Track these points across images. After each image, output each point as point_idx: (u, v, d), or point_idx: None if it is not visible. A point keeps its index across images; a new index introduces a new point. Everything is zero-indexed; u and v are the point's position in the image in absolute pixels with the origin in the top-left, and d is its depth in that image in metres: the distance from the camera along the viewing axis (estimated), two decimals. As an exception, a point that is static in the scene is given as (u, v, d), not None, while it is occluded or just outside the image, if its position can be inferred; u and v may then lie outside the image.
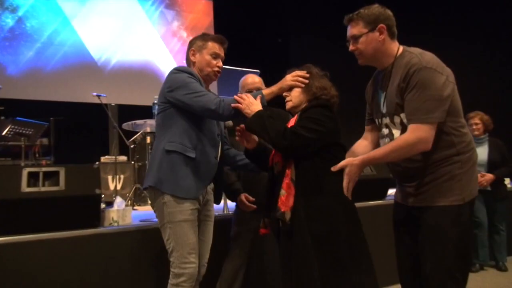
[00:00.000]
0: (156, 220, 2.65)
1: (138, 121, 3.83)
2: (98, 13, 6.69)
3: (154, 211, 1.97)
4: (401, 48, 1.74)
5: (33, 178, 2.31)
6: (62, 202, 2.31)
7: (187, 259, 1.85)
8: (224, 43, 2.09)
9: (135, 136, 4.78)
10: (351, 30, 1.75)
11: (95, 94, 4.36)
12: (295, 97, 1.87)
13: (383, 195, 3.67)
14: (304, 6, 7.74)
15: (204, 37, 2.08)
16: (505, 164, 3.74)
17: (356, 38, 1.73)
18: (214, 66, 2.04)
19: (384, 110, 1.76)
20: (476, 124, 3.78)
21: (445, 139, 1.65)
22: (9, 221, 2.22)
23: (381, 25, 1.69)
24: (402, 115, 1.67)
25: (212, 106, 1.83)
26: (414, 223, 1.73)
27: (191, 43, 2.10)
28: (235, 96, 1.85)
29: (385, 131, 1.79)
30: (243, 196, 2.35)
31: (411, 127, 1.61)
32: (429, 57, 1.64)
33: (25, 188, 2.27)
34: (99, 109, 4.51)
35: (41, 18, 6.26)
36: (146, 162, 5.58)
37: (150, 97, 3.24)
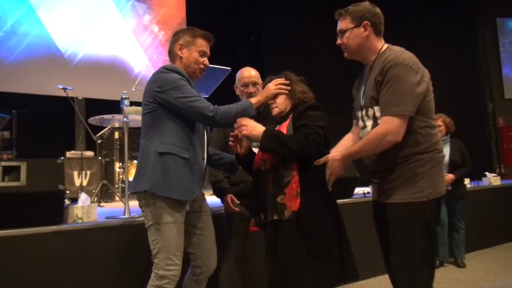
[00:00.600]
0: (121, 217, 2.65)
1: (106, 116, 3.74)
2: (65, 3, 6.48)
3: (142, 211, 1.93)
4: (385, 45, 1.81)
5: (-8, 173, 2.22)
6: (23, 198, 2.24)
7: (172, 261, 1.84)
8: (212, 41, 2.09)
9: (102, 131, 4.68)
10: (340, 25, 1.84)
11: (61, 87, 4.22)
12: (281, 104, 1.99)
13: (350, 193, 3.77)
14: (278, 4, 7.79)
15: (193, 32, 2.05)
16: (465, 164, 3.91)
17: (342, 32, 1.83)
18: (201, 63, 2.04)
19: (362, 102, 1.85)
20: (439, 126, 3.93)
21: (411, 137, 1.71)
22: (-35, 217, 2.12)
23: (366, 21, 1.78)
24: (376, 108, 1.74)
25: (208, 113, 1.86)
26: (384, 218, 1.80)
27: (177, 37, 2.05)
28: (236, 125, 1.87)
29: (361, 123, 1.87)
30: (229, 198, 2.36)
31: (381, 120, 1.69)
32: (407, 55, 1.71)
33: (-17, 183, 2.18)
34: (65, 102, 4.38)
35: (3, 6, 5.99)
36: (114, 158, 5.50)
37: (118, 92, 3.17)
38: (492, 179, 5.20)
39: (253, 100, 1.98)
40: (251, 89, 2.45)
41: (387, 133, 1.65)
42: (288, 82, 1.98)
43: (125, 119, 2.96)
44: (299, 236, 1.76)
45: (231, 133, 1.96)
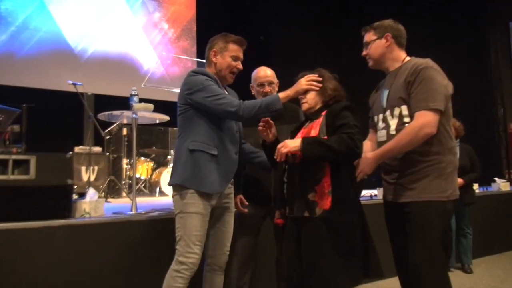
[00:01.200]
0: (128, 213, 2.67)
1: (115, 112, 3.75)
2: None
3: (173, 202, 2.06)
4: (408, 57, 1.99)
5: (2, 166, 2.25)
6: (32, 192, 2.25)
7: (191, 249, 1.94)
8: (244, 45, 2.17)
9: (111, 127, 4.70)
10: (365, 38, 2.05)
11: (71, 82, 4.25)
12: (311, 100, 1.99)
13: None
14: (287, 3, 7.77)
15: (225, 38, 2.14)
16: (474, 169, 3.87)
17: (367, 44, 2.03)
18: (233, 68, 2.14)
19: (384, 105, 1.97)
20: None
21: (436, 137, 1.82)
22: (-26, 209, 2.14)
23: (388, 34, 1.97)
24: (403, 107, 1.87)
25: (231, 109, 1.95)
26: (403, 217, 1.88)
27: (212, 43, 2.16)
28: (276, 155, 1.87)
29: (382, 125, 1.99)
30: (238, 199, 2.40)
31: (415, 115, 1.80)
32: (434, 63, 1.89)
33: (-8, 175, 2.20)
34: (74, 98, 4.40)
35: (16, 1, 6.05)
36: (121, 154, 5.52)
37: (127, 88, 3.18)
38: (501, 185, 5.14)
39: (281, 94, 2.00)
40: (267, 88, 2.47)
41: (424, 125, 1.77)
42: (320, 79, 1.97)
43: (133, 115, 2.97)
44: (328, 234, 1.77)
45: (263, 119, 2.00)
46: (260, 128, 2.00)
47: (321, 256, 1.77)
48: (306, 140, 1.80)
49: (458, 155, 3.88)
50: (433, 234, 1.79)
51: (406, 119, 1.85)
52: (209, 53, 2.15)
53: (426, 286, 1.79)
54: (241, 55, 2.16)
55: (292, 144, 1.81)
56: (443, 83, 1.82)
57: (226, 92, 2.15)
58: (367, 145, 2.10)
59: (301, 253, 1.84)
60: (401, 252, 1.91)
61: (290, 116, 2.43)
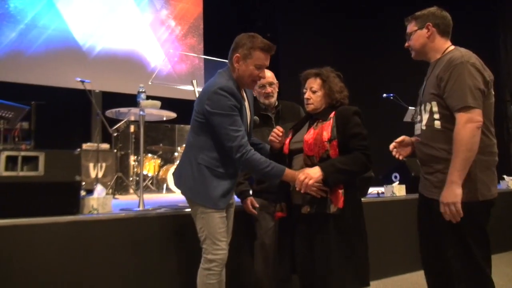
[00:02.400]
0: (136, 210, 2.68)
1: (122, 109, 3.78)
2: (84, -3, 6.55)
3: (188, 203, 2.11)
4: (452, 46, 1.91)
5: (11, 162, 2.26)
6: (41, 188, 2.27)
7: (218, 245, 1.99)
8: (272, 51, 2.03)
9: (118, 124, 4.72)
10: (407, 29, 2.01)
11: (78, 79, 4.28)
12: (317, 102, 2.04)
13: (364, 193, 3.73)
14: (294, 0, 7.74)
15: (252, 43, 1.98)
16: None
17: (409, 35, 1.99)
18: (256, 76, 2.02)
19: (421, 98, 1.95)
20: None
21: None
22: (-16, 205, 2.16)
23: (429, 23, 1.90)
24: (433, 103, 1.83)
25: (234, 155, 1.92)
26: (433, 213, 1.86)
27: (236, 45, 2.02)
28: (297, 182, 1.88)
29: (418, 118, 1.97)
30: (249, 200, 2.50)
31: (457, 117, 1.73)
32: (471, 56, 1.81)
33: (2, 172, 2.22)
34: (82, 95, 4.43)
35: (25, -1, 6.09)
36: (129, 151, 5.55)
37: (134, 85, 3.20)
38: (510, 183, 5.08)
39: (287, 174, 1.93)
40: (268, 89, 2.56)
41: (469, 122, 1.69)
42: (326, 189, 1.89)
43: (141, 112, 2.99)
44: (339, 232, 1.85)
45: (276, 130, 2.05)
46: (271, 139, 2.07)
47: (330, 254, 1.85)
48: (327, 169, 1.86)
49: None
50: (463, 237, 1.76)
51: (436, 115, 1.82)
52: (232, 55, 2.02)
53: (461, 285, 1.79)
54: (266, 63, 2.02)
55: (315, 175, 1.85)
56: (477, 79, 1.74)
57: (245, 96, 2.13)
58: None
59: (313, 250, 1.92)
60: (428, 246, 1.95)
61: (292, 114, 2.56)
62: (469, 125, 1.69)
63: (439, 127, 1.81)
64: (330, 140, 1.91)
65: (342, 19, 7.68)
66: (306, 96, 2.07)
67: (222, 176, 2.02)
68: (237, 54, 1.99)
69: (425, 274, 2.00)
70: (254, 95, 2.57)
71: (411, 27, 1.98)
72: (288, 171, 1.95)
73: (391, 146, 2.05)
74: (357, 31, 7.48)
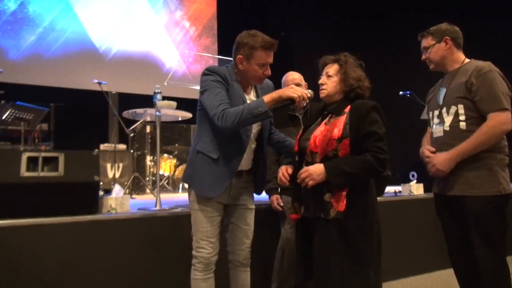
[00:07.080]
0: (153, 209, 2.72)
1: (138, 110, 3.81)
2: (100, 0, 6.65)
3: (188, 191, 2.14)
4: (467, 59, 2.12)
5: (32, 163, 2.32)
6: (61, 188, 2.32)
7: (199, 244, 1.99)
8: (273, 48, 1.99)
9: (135, 125, 4.78)
10: (423, 43, 2.17)
11: (96, 81, 4.35)
12: (331, 87, 1.87)
13: (381, 192, 3.69)
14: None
15: (253, 42, 1.95)
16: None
17: (426, 49, 2.15)
18: (260, 74, 2.01)
19: (441, 102, 2.09)
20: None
21: None
22: (7, 205, 2.22)
23: (447, 37, 2.09)
24: (460, 106, 1.98)
25: (214, 117, 1.86)
26: (456, 210, 2.01)
27: (238, 45, 2.00)
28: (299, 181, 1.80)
29: (437, 120, 2.11)
30: (274, 198, 2.56)
31: (490, 116, 1.91)
32: (495, 66, 2.00)
33: (24, 172, 2.27)
34: (99, 96, 4.50)
35: (43, 3, 6.22)
36: (145, 151, 5.62)
37: (151, 86, 3.23)
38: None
39: (266, 97, 1.88)
40: None
41: (501, 123, 1.89)
42: (309, 95, 1.89)
43: (157, 113, 3.01)
44: (341, 237, 1.68)
45: (285, 171, 1.91)
46: (280, 178, 1.92)
47: (332, 259, 1.70)
48: (331, 171, 1.69)
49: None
50: (490, 229, 1.89)
51: (461, 117, 1.97)
52: (235, 55, 2.01)
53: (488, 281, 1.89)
54: (269, 60, 1.99)
55: (318, 176, 1.71)
56: (505, 85, 1.96)
57: (254, 92, 2.11)
58: (425, 139, 2.24)
59: (313, 254, 1.79)
60: (455, 242, 2.05)
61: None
62: (503, 127, 1.89)
63: (464, 128, 1.96)
64: (340, 139, 1.71)
65: (354, 18, 7.61)
66: (320, 81, 1.90)
67: (213, 162, 1.97)
68: (240, 56, 1.99)
69: (454, 272, 2.12)
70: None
71: (427, 41, 2.13)
72: (266, 96, 1.88)
73: (426, 159, 2.10)
74: (370, 31, 7.41)
